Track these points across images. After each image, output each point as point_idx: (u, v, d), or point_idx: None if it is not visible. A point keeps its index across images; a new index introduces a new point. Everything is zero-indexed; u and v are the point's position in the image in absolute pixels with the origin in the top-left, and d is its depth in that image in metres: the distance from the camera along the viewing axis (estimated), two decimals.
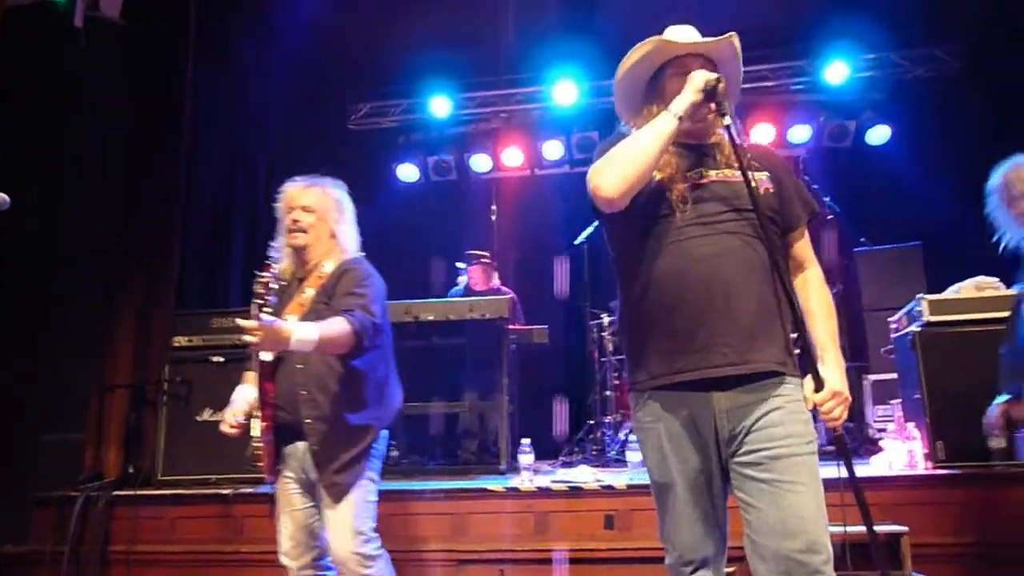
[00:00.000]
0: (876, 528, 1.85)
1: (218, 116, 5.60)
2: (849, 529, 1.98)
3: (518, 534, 3.62)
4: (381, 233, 6.13)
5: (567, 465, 4.89)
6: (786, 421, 1.84)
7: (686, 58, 2.03)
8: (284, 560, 2.70)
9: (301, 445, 2.64)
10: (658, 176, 1.96)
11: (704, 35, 2.10)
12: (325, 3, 6.09)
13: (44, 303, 4.47)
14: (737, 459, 1.87)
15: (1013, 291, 2.97)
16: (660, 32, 2.09)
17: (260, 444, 2.62)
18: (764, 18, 5.78)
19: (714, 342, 1.86)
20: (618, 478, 3.78)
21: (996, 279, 3.77)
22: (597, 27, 6.56)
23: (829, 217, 6.00)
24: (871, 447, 4.59)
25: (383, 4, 6.28)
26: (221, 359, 4.31)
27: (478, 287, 5.99)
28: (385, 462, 2.86)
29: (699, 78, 1.91)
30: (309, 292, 2.69)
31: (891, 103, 6.82)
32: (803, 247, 2.09)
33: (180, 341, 4.47)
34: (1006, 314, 2.92)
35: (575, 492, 3.65)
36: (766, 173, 2.03)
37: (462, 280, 6.18)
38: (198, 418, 4.27)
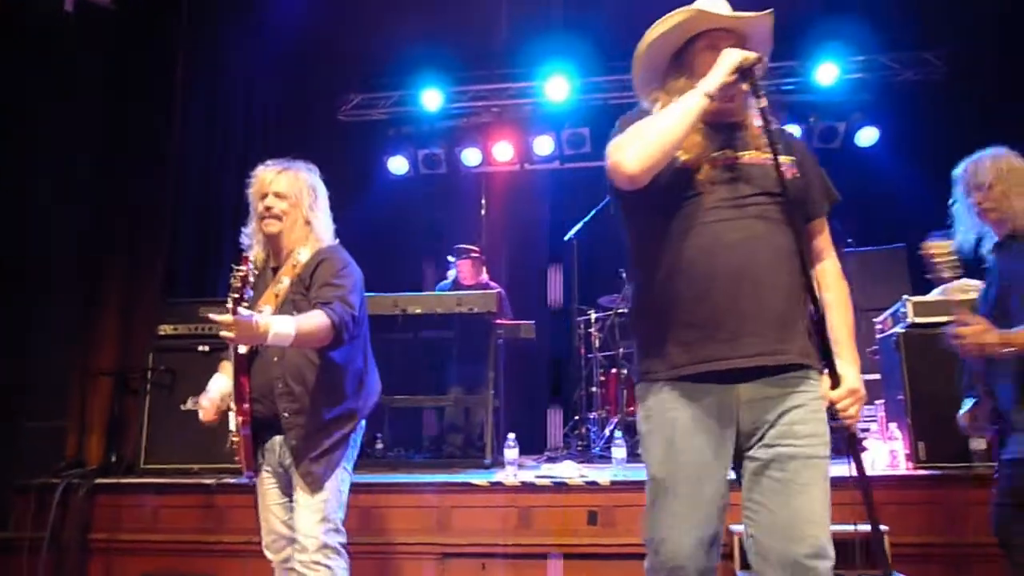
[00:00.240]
0: (857, 527, 1.85)
1: (207, 104, 5.56)
2: (833, 528, 1.98)
3: (502, 528, 3.62)
4: (369, 224, 6.15)
5: (552, 460, 4.90)
6: (809, 420, 1.80)
7: (717, 32, 1.95)
8: (266, 553, 2.69)
9: (278, 439, 2.59)
10: (683, 156, 1.87)
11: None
12: None
13: (27, 289, 4.41)
14: (753, 453, 1.83)
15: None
16: None
17: (237, 439, 2.58)
18: None
19: (743, 331, 1.79)
20: (602, 474, 3.79)
21: (981, 282, 3.80)
22: (591, 24, 6.56)
23: None
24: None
25: None
26: (207, 348, 4.28)
27: (467, 281, 6.00)
28: (371, 455, 2.83)
29: (735, 56, 1.83)
30: (284, 282, 2.61)
31: (880, 105, 6.85)
32: (823, 237, 2.04)
33: (166, 329, 4.44)
34: None
35: (559, 487, 3.66)
36: (792, 158, 1.96)
37: (451, 274, 6.18)
38: (182, 407, 4.21)
